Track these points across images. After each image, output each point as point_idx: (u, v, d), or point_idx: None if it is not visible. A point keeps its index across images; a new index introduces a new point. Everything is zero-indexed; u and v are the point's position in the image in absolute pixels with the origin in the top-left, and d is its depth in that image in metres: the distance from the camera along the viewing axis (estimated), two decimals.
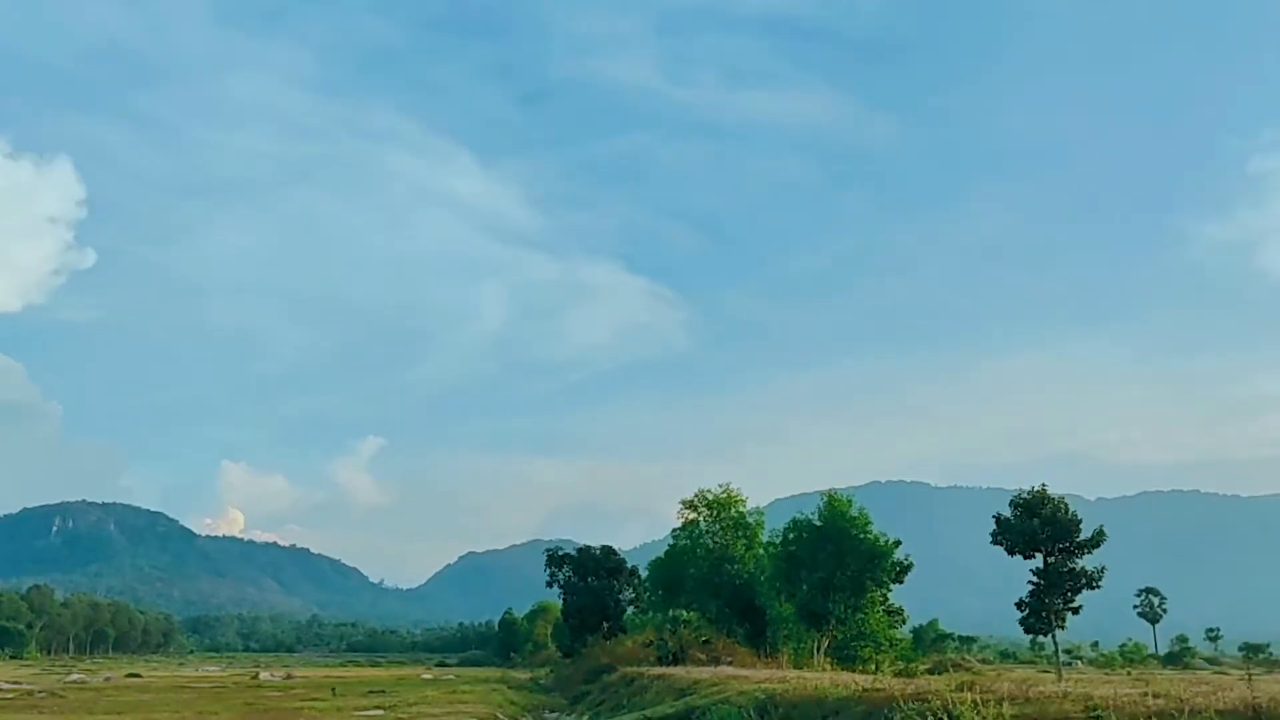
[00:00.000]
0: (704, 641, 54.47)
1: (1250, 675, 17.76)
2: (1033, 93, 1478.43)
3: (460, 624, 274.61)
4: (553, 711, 48.28)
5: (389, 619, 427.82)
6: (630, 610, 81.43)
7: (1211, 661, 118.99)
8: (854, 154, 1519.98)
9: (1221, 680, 23.24)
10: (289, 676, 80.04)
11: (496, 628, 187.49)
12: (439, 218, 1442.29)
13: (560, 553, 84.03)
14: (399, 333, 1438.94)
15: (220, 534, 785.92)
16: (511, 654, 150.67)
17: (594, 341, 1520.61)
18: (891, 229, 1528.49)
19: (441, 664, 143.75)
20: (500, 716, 41.85)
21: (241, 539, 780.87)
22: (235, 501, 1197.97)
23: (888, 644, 53.20)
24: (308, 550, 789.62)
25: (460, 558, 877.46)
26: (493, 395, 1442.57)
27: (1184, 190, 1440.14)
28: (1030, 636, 62.00)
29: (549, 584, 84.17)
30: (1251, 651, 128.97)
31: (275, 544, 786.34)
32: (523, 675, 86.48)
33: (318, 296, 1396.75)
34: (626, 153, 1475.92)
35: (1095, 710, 15.66)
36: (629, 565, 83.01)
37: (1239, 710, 14.42)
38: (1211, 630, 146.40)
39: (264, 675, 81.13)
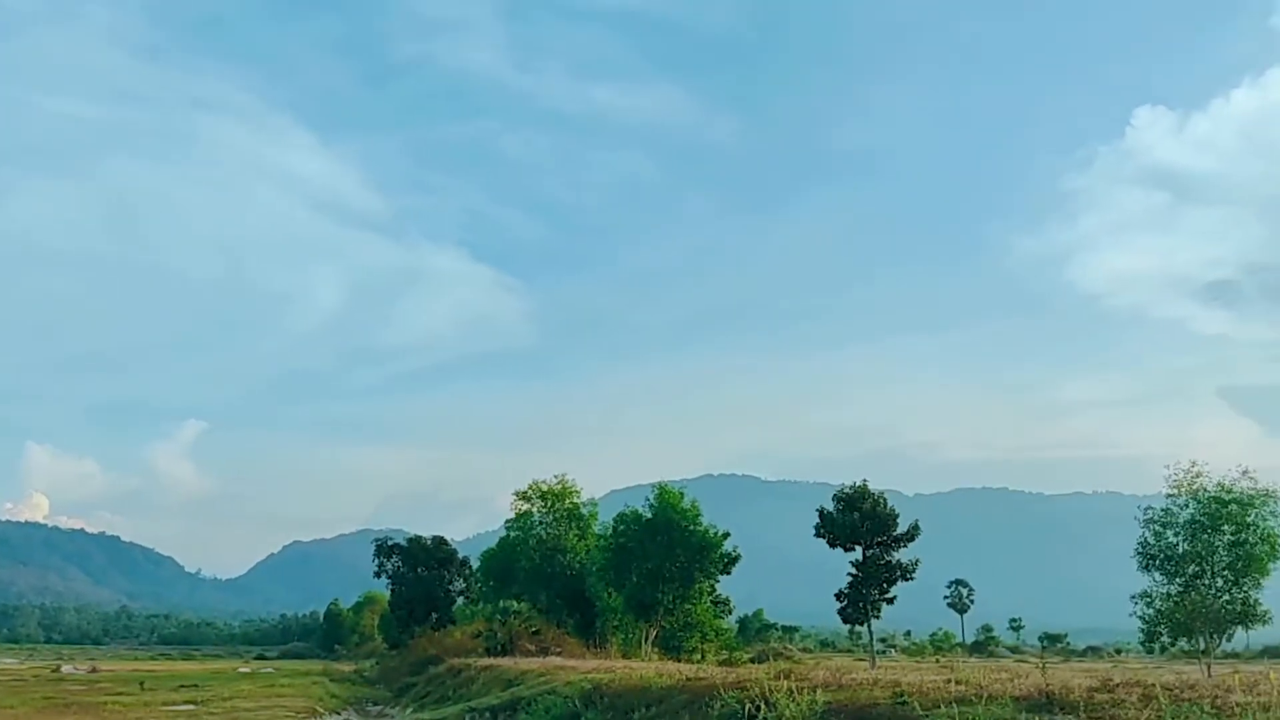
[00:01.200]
0: (534, 632, 54.27)
1: (1044, 663, 18.83)
2: (871, 103, 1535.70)
3: (282, 615, 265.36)
4: (376, 704, 47.22)
5: (205, 610, 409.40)
6: (460, 601, 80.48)
7: (1014, 650, 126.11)
8: (698, 153, 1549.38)
9: (1020, 668, 24.58)
10: (93, 670, 75.54)
11: (321, 619, 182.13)
12: (272, 194, 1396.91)
13: (390, 543, 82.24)
14: (226, 313, 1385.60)
15: (22, 519, 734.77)
16: (336, 646, 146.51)
17: (434, 329, 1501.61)
18: (733, 227, 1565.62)
19: (260, 657, 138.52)
20: (320, 710, 40.65)
21: (45, 525, 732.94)
22: (39, 486, 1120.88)
23: (713, 634, 54.21)
24: (118, 538, 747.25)
25: (284, 547, 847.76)
26: (325, 381, 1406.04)
27: (1003, 203, 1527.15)
28: (848, 626, 64.36)
29: (377, 575, 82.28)
30: (1050, 641, 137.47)
31: (82, 531, 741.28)
32: (347, 668, 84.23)
33: (138, 271, 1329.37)
34: (471, 138, 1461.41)
35: (901, 696, 16.29)
36: (461, 556, 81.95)
37: (1033, 696, 15.19)
38: (1014, 620, 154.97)
39: (66, 668, 76.36)
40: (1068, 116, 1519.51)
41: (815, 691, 17.95)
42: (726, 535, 52.77)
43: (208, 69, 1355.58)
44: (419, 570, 79.09)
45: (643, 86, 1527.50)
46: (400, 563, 79.95)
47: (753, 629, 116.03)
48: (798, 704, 17.35)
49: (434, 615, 76.36)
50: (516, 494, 65.22)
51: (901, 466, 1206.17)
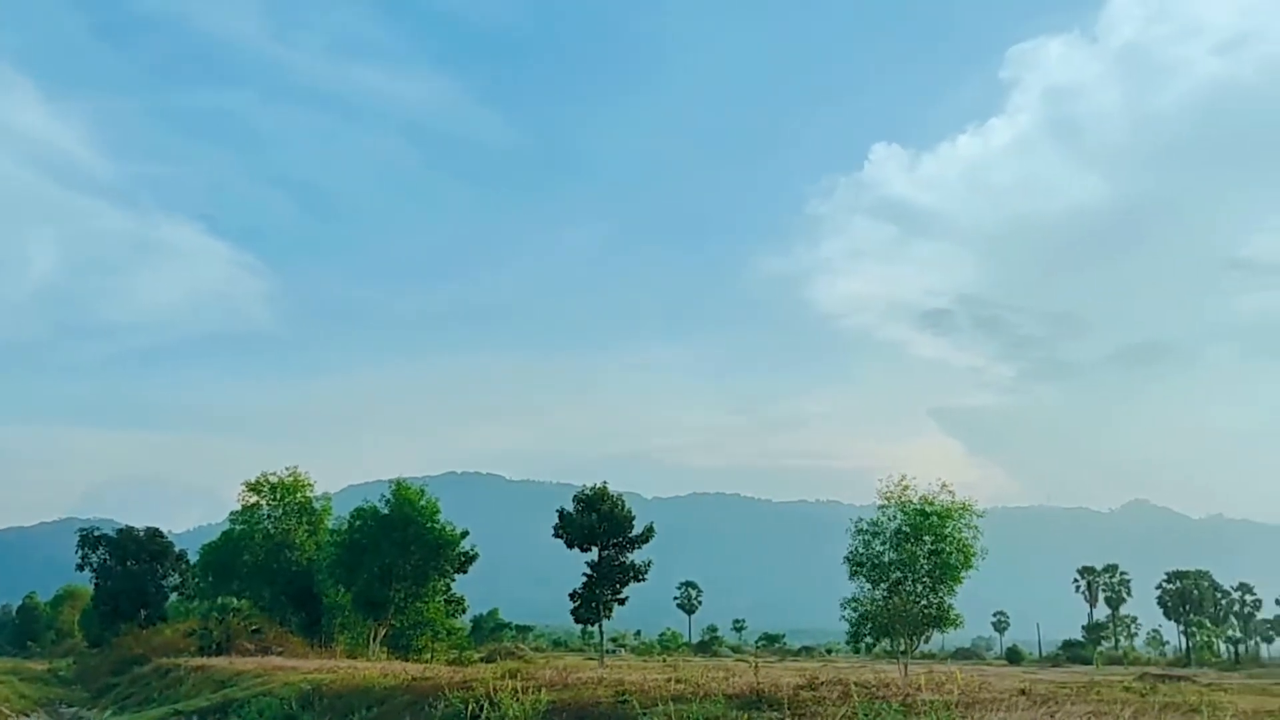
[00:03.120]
0: (253, 631, 51.81)
1: (757, 662, 19.77)
2: (636, 115, 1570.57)
3: None
4: (71, 705, 43.55)
5: None
6: (175, 598, 75.59)
7: (735, 650, 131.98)
8: (464, 145, 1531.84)
9: (738, 667, 25.69)
10: None
11: (14, 614, 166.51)
12: None
13: (96, 533, 76.02)
14: None
15: None
16: (30, 644, 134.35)
17: (164, 305, 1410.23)
18: (496, 224, 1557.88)
19: None
20: (5, 711, 37.04)
21: None
22: None
23: (445, 633, 53.80)
24: None
25: None
26: (34, 354, 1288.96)
27: (755, 223, 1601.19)
28: (581, 625, 65.32)
29: (80, 567, 75.80)
30: (768, 641, 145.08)
31: None
32: (40, 667, 77.21)
33: None
34: (220, 108, 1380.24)
35: (623, 695, 16.64)
36: (178, 549, 77.04)
37: (744, 694, 15.91)
38: (738, 621, 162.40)
39: None
40: (816, 146, 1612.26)
41: (540, 691, 18.07)
42: (465, 534, 52.68)
43: None
44: (128, 563, 73.54)
45: (409, 72, 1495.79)
46: (107, 555, 74.06)
47: (487, 628, 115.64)
48: (522, 704, 17.39)
49: (144, 612, 71.28)
50: (245, 485, 62.17)
51: (643, 470, 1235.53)
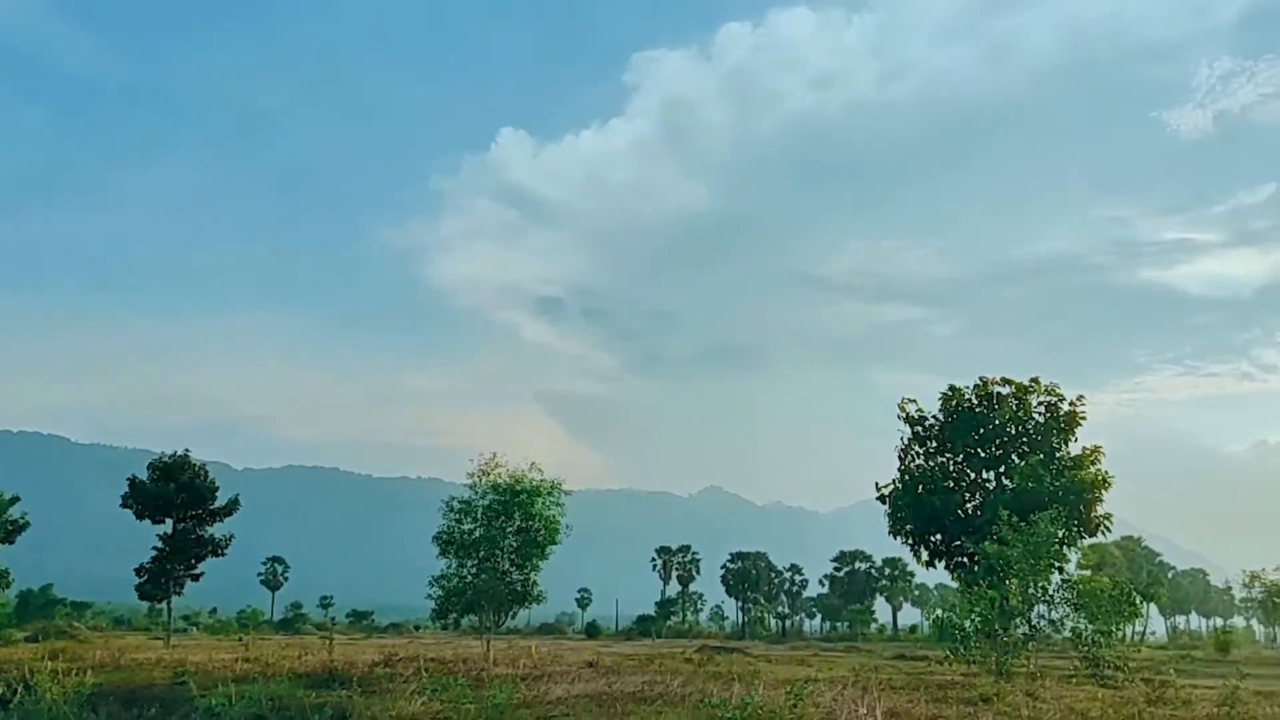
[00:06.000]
0: None
1: (331, 640, 19.52)
2: (249, 61, 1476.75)
3: None
4: None
5: None
6: None
7: (321, 627, 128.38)
8: (44, 66, 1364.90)
9: (315, 644, 25.24)
10: None
11: None
12: None
13: None
14: None
15: None
16: None
17: None
18: (72, 157, 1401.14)
19: None
20: None
21: None
22: None
23: None
24: None
25: None
26: None
27: (373, 192, 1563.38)
28: (148, 603, 60.82)
29: None
30: (357, 618, 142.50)
31: None
32: None
33: None
34: None
35: (181, 676, 15.80)
36: None
37: (318, 671, 15.67)
38: (325, 598, 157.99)
39: None
40: (444, 122, 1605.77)
41: (87, 673, 16.71)
42: (14, 500, 47.99)
43: None
44: None
45: None
46: None
47: (36, 605, 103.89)
48: (63, 687, 15.94)
49: None
50: None
51: (233, 440, 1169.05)
